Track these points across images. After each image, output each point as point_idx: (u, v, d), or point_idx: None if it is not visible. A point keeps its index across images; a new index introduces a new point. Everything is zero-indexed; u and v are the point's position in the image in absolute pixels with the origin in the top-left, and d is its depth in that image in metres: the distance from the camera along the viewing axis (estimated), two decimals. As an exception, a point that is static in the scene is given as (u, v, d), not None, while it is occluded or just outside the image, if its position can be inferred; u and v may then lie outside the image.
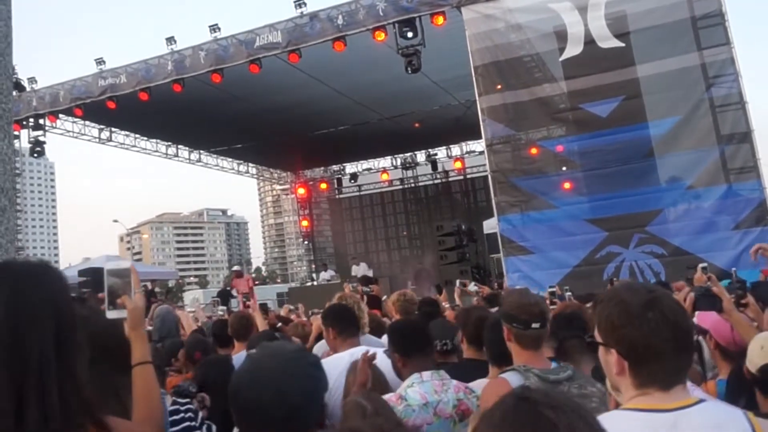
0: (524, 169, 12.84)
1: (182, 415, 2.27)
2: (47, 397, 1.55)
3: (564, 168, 12.82)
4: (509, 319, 3.09)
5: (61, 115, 17.20)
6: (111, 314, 2.03)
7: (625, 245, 11.90)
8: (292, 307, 12.25)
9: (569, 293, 8.05)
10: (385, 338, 4.53)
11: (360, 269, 21.01)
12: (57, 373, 1.59)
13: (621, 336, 1.73)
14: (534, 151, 12.99)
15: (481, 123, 12.89)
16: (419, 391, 3.11)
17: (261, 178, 30.63)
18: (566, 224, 12.36)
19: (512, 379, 2.82)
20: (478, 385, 3.29)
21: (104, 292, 2.05)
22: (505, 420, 1.27)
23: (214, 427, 2.39)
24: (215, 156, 23.93)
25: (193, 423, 2.29)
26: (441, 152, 25.61)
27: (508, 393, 1.39)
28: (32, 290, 1.64)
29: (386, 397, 3.03)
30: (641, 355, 1.71)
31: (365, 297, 7.81)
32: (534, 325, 3.02)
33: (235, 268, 22.15)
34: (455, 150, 25.22)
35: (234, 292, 18.43)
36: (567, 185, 12.58)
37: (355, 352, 3.78)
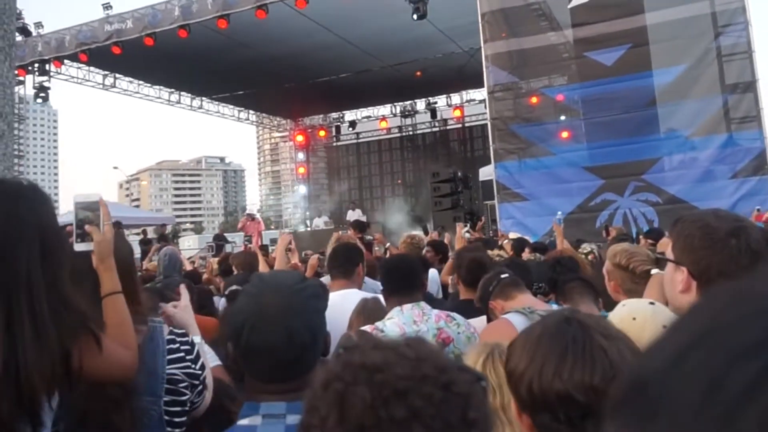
0: (524, 116, 12.96)
1: (178, 345, 2.16)
2: (38, 311, 1.58)
3: (563, 117, 12.96)
4: (485, 294, 3.17)
5: (66, 61, 17.17)
6: (79, 246, 1.93)
7: (620, 193, 12.15)
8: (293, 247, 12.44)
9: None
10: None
11: (354, 215, 21.29)
12: (45, 287, 1.61)
13: (698, 257, 1.72)
14: (534, 99, 13.10)
15: (484, 70, 12.98)
16: (397, 322, 3.02)
17: (260, 125, 30.62)
18: (563, 171, 12.58)
19: (515, 320, 2.72)
20: (477, 323, 3.24)
21: (73, 224, 1.97)
22: (556, 341, 1.29)
23: (207, 360, 2.30)
24: (216, 103, 23.98)
25: (189, 357, 2.17)
26: (441, 101, 25.67)
27: (555, 314, 1.42)
28: (19, 208, 1.65)
29: (363, 328, 2.99)
30: (713, 278, 1.69)
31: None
32: (503, 276, 3.15)
33: (248, 211, 22.38)
34: (455, 99, 25.27)
35: (237, 236, 18.65)
36: (565, 134, 12.75)
37: (347, 294, 3.79)
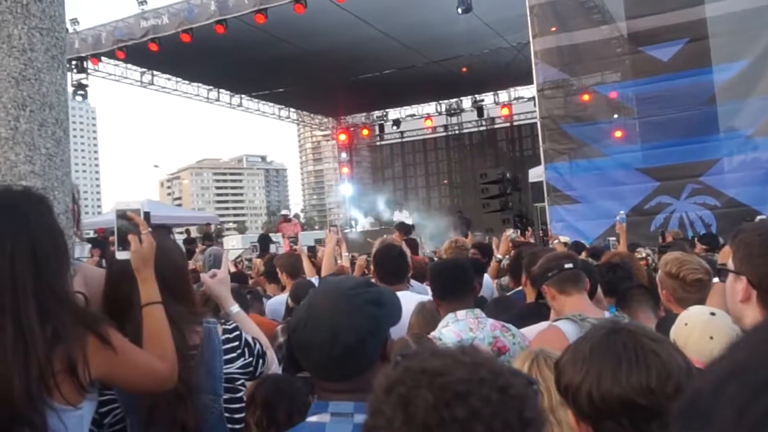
0: (575, 115, 12.65)
1: (232, 344, 2.23)
2: (22, 315, 1.62)
3: (616, 115, 12.65)
4: (542, 277, 3.06)
5: (103, 58, 17.15)
6: (120, 255, 2.01)
7: (676, 196, 11.72)
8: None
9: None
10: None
11: (401, 216, 20.98)
12: (34, 290, 1.65)
13: (757, 265, 1.73)
14: (586, 97, 12.77)
15: (533, 67, 12.60)
16: (454, 329, 3.06)
17: (301, 123, 30.58)
18: (616, 173, 12.17)
19: (566, 327, 2.73)
20: (532, 331, 3.20)
21: (114, 234, 2.05)
22: (607, 350, 1.38)
23: (258, 349, 2.33)
24: (256, 101, 23.82)
25: (241, 350, 2.25)
26: (488, 98, 24.94)
27: (599, 328, 1.49)
28: (4, 215, 1.71)
29: (417, 334, 3.04)
30: None
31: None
32: (567, 266, 3.01)
33: (283, 212, 22.40)
34: (502, 96, 24.59)
35: (277, 237, 18.65)
36: (618, 133, 12.36)
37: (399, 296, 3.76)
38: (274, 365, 2.58)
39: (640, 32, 11.85)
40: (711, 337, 2.38)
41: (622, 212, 8.41)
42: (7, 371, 1.58)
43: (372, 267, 4.66)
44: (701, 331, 2.42)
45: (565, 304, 2.97)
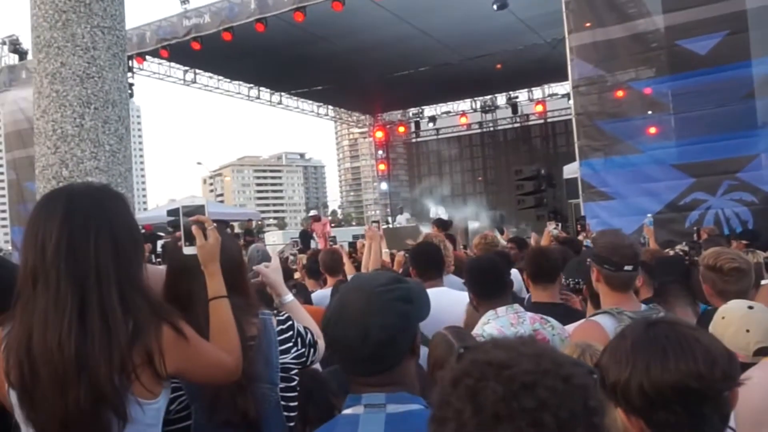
0: (610, 112, 12.39)
1: (286, 335, 2.29)
2: (107, 302, 1.69)
3: (651, 111, 12.30)
4: (600, 260, 2.96)
5: (147, 57, 17.54)
6: (187, 250, 2.07)
7: (712, 192, 11.42)
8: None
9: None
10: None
11: (439, 211, 21.10)
12: (116, 279, 1.72)
13: None
14: (620, 93, 12.48)
15: (568, 63, 12.45)
16: (495, 326, 3.11)
17: (339, 120, 30.80)
18: (651, 169, 11.93)
19: (604, 322, 2.73)
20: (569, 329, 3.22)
21: (181, 230, 2.11)
22: (651, 343, 1.40)
23: (309, 339, 2.40)
24: (295, 98, 24.14)
25: (294, 340, 2.32)
26: (522, 95, 24.97)
27: (637, 324, 1.51)
28: (85, 207, 1.78)
29: (451, 326, 3.03)
30: None
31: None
32: (626, 268, 2.90)
33: (312, 212, 22.64)
34: (537, 93, 24.57)
35: (314, 235, 18.94)
36: (653, 129, 12.08)
37: (438, 292, 3.82)
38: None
39: (677, 25, 11.56)
40: (747, 330, 2.36)
41: (649, 215, 8.40)
42: (94, 356, 1.64)
43: (410, 263, 4.71)
44: (738, 324, 2.39)
45: (604, 294, 2.97)
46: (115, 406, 1.65)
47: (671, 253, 5.90)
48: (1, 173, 37.01)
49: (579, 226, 11.78)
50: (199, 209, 2.12)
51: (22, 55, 18.38)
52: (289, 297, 2.58)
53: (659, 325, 1.44)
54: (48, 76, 2.74)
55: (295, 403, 2.32)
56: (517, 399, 0.87)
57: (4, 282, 1.86)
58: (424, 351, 2.39)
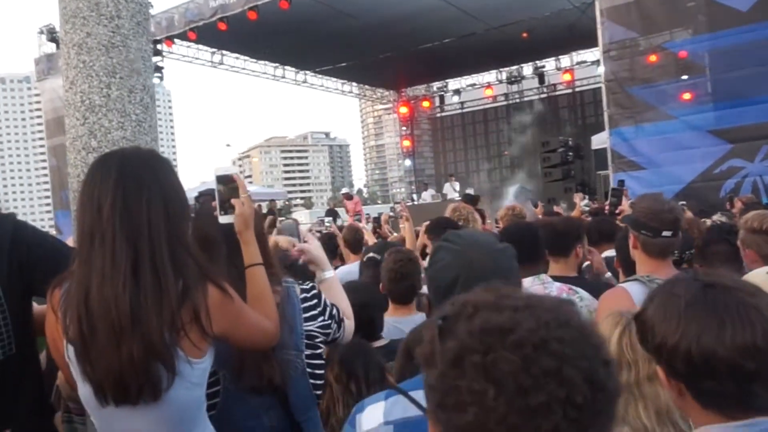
0: (642, 77, 11.98)
1: (310, 303, 2.32)
2: (158, 259, 1.74)
3: (686, 76, 11.82)
4: (637, 225, 2.84)
5: (176, 40, 17.63)
6: (223, 219, 2.09)
7: (750, 159, 11.03)
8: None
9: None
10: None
11: (455, 186, 20.99)
12: (167, 238, 1.77)
13: None
14: (653, 58, 11.99)
15: (598, 26, 12.10)
16: None
17: (363, 97, 30.63)
18: (685, 136, 11.54)
19: (633, 289, 2.62)
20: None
21: (215, 199, 2.12)
22: (707, 308, 1.30)
23: (335, 314, 2.43)
24: (320, 76, 24.13)
25: (318, 309, 2.34)
26: (549, 64, 24.40)
27: (688, 283, 1.38)
28: (137, 169, 1.83)
29: None
30: None
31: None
32: (665, 233, 2.77)
33: (344, 190, 22.67)
34: (564, 61, 24.04)
35: (342, 212, 19.01)
36: (688, 95, 11.63)
37: None
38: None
39: (718, -21, 10.99)
40: None
41: None
42: (146, 311, 1.69)
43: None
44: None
45: (640, 261, 2.87)
46: (165, 360, 1.70)
47: (708, 223, 5.61)
48: (44, 160, 37.61)
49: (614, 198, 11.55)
50: (230, 178, 2.13)
51: (59, 43, 18.45)
52: (330, 273, 2.60)
53: (717, 288, 1.32)
54: (75, 47, 2.72)
55: (321, 371, 2.36)
56: (536, 363, 0.79)
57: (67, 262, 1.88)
58: None
